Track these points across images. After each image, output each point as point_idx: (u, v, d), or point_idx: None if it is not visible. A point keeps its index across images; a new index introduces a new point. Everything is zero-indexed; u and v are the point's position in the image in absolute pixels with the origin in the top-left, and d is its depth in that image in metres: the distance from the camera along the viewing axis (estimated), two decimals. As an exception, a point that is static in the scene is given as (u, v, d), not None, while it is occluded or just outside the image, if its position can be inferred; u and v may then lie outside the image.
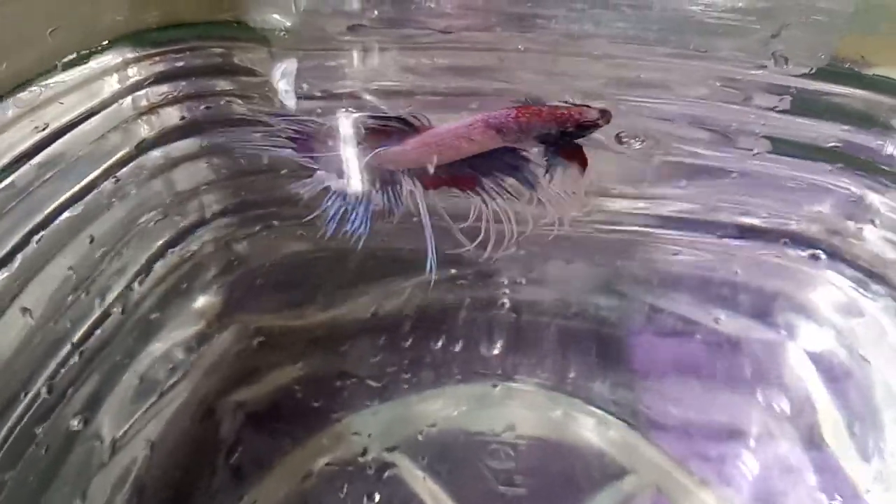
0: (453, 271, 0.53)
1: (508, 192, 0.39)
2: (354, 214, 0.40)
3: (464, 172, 0.39)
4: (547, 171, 0.38)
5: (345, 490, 0.47)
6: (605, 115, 0.36)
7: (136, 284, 0.45)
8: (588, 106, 0.36)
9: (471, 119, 0.38)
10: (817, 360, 0.50)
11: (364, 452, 0.49)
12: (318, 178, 0.41)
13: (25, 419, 0.38)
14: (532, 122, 0.36)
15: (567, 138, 0.37)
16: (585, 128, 0.36)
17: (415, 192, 0.40)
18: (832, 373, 0.49)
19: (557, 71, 0.44)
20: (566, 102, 0.37)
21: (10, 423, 0.37)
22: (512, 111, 0.37)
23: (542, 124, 0.36)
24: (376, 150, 0.39)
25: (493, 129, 0.37)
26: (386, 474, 0.48)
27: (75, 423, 0.41)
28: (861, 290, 0.47)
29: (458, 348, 0.53)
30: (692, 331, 0.53)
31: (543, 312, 0.54)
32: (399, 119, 0.39)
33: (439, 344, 0.53)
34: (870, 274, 0.47)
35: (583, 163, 0.38)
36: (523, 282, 0.53)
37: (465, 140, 0.38)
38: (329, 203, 0.41)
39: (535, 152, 0.38)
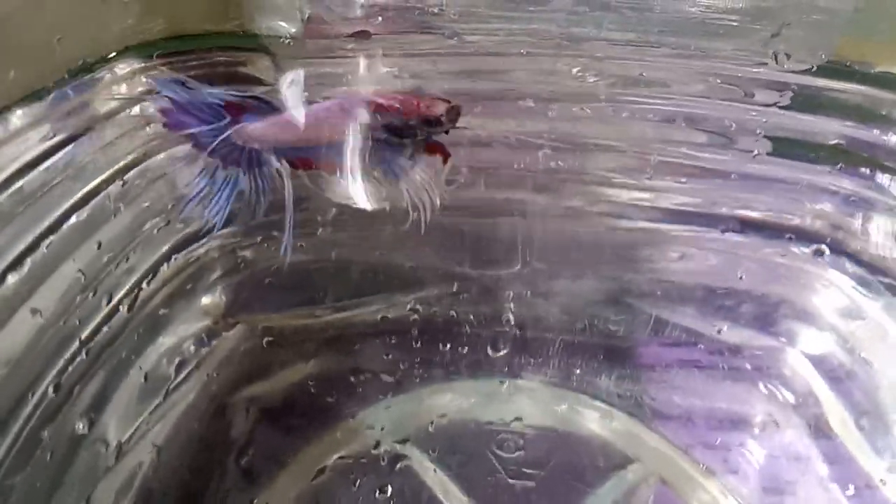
0: (455, 286, 0.53)
1: (375, 180, 0.39)
2: (218, 196, 0.40)
3: (330, 155, 0.38)
4: (410, 159, 0.38)
5: (357, 483, 0.48)
6: (452, 112, 0.35)
7: (143, 285, 0.45)
8: (442, 100, 0.36)
9: (329, 102, 0.37)
10: (818, 362, 0.50)
11: (377, 445, 0.49)
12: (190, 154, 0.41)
13: (33, 421, 0.38)
14: (380, 111, 0.36)
15: (413, 131, 0.36)
16: (430, 123, 0.36)
17: (282, 171, 0.39)
18: (834, 373, 0.49)
19: (559, 72, 0.45)
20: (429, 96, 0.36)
21: (18, 425, 0.37)
22: (367, 97, 0.36)
23: (390, 114, 0.36)
24: (239, 125, 0.38)
25: (346, 113, 0.37)
26: (398, 466, 0.49)
27: (80, 426, 0.41)
28: (863, 289, 0.47)
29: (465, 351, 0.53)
30: (695, 341, 0.53)
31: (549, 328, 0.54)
32: (256, 98, 0.38)
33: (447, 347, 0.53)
34: (872, 269, 0.47)
35: (444, 156, 0.38)
36: (528, 295, 0.54)
37: (323, 122, 0.37)
38: (196, 181, 0.41)
39: (407, 142, 0.37)
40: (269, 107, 0.38)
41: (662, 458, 0.49)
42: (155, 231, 0.46)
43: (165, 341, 0.48)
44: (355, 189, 0.38)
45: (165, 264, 0.47)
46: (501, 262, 0.52)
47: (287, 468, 0.49)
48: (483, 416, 0.52)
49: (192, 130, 0.39)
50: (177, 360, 0.48)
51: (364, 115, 0.36)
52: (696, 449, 0.50)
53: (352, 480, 0.48)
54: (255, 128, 0.38)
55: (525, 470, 0.49)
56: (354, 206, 0.39)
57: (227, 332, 0.52)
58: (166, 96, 0.39)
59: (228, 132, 0.38)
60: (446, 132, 0.36)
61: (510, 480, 0.48)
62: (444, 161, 0.38)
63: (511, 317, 0.54)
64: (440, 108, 0.35)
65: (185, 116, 0.39)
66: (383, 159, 0.37)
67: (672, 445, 0.50)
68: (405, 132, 0.36)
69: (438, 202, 0.38)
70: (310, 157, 0.39)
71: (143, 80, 0.42)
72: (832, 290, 0.49)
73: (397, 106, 0.36)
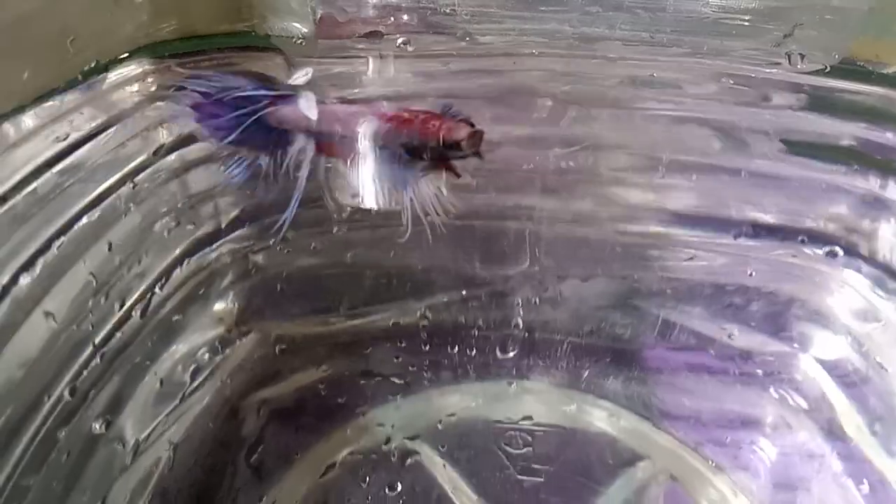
0: (465, 292, 0.53)
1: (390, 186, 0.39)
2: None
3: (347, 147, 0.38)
4: (421, 172, 0.37)
5: (367, 480, 0.48)
6: (475, 138, 0.35)
7: (156, 289, 0.45)
8: (466, 123, 0.35)
9: (356, 108, 0.38)
10: (831, 367, 0.49)
11: (387, 441, 0.50)
12: None
13: (49, 423, 0.38)
14: (401, 129, 0.36)
15: (431, 153, 0.36)
16: (449, 147, 0.35)
17: (304, 151, 0.39)
18: (848, 379, 0.49)
19: (571, 73, 0.44)
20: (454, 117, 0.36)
21: (34, 427, 0.37)
22: (390, 112, 0.36)
23: (409, 133, 0.36)
24: (273, 108, 0.39)
25: (368, 123, 0.37)
26: (408, 462, 0.49)
27: (97, 426, 0.41)
28: (878, 290, 0.47)
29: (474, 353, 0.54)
30: (705, 346, 0.53)
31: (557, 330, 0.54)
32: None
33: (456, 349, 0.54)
34: (888, 271, 0.46)
35: (454, 175, 0.37)
36: (537, 301, 0.54)
37: (344, 124, 0.38)
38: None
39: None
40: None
41: (672, 455, 0.50)
42: (166, 233, 0.46)
43: (179, 349, 0.48)
44: (365, 189, 0.38)
45: (178, 268, 0.47)
46: (511, 262, 0.52)
47: (297, 465, 0.49)
48: (492, 415, 0.52)
49: (225, 118, 0.39)
50: (192, 368, 0.49)
51: (381, 127, 0.36)
52: (705, 447, 0.50)
53: (361, 476, 0.49)
54: (288, 110, 0.39)
55: (534, 466, 0.49)
56: (362, 206, 0.39)
57: (241, 339, 0.52)
58: (198, 91, 0.39)
59: (261, 113, 0.38)
60: (465, 157, 0.36)
61: (519, 476, 0.49)
62: (454, 177, 0.38)
63: (520, 321, 0.54)
64: (461, 133, 0.34)
65: (217, 108, 0.39)
66: (393, 168, 0.37)
67: (681, 443, 0.50)
68: (422, 153, 0.36)
69: (443, 215, 0.38)
70: (334, 142, 0.39)
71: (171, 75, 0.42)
72: (847, 290, 0.48)
73: (417, 125, 0.35)
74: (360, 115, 0.37)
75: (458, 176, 0.37)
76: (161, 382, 0.46)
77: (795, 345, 0.51)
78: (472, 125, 0.35)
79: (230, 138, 0.39)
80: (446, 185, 0.37)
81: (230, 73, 0.41)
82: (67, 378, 0.40)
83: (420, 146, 0.36)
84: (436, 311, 0.54)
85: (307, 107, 0.39)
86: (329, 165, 0.42)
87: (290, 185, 0.40)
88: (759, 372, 0.51)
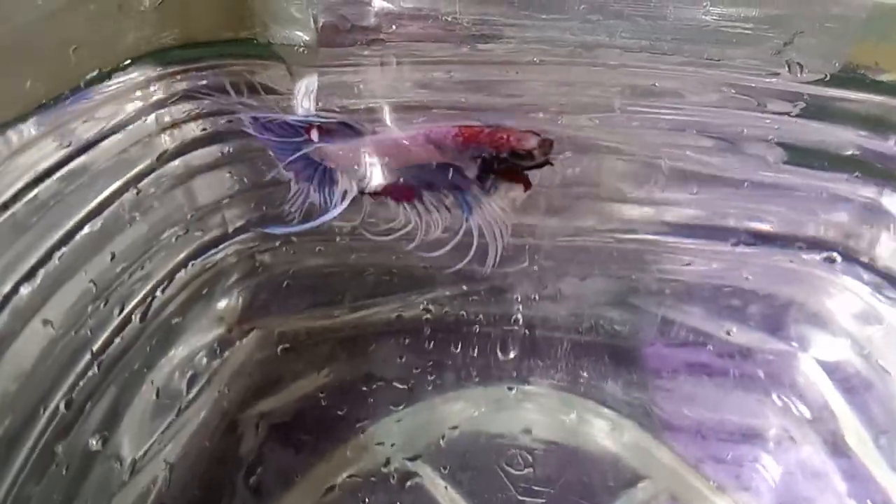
0: (465, 287, 0.53)
1: (446, 209, 0.39)
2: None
3: (403, 183, 0.39)
4: (486, 190, 0.38)
5: (367, 502, 0.48)
6: (545, 146, 0.35)
7: (158, 293, 0.45)
8: (533, 133, 0.36)
9: (414, 131, 0.38)
10: (832, 369, 0.49)
11: (387, 463, 0.49)
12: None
13: (46, 436, 0.38)
14: (470, 142, 0.36)
15: (503, 164, 0.36)
16: (521, 156, 0.36)
17: (349, 193, 0.40)
18: (849, 383, 0.48)
19: (572, 82, 0.45)
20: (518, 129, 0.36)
21: (32, 439, 0.37)
22: (454, 129, 0.37)
23: (479, 146, 0.36)
24: (318, 144, 0.39)
25: (433, 144, 0.37)
26: (408, 484, 0.48)
27: (94, 443, 0.41)
28: (879, 295, 0.47)
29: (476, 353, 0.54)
30: (704, 342, 0.53)
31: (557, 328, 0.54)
32: (343, 123, 0.39)
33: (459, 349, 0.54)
34: (888, 278, 0.46)
35: (525, 185, 0.38)
36: (537, 298, 0.53)
37: (405, 150, 0.38)
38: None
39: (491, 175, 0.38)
40: (351, 130, 0.39)
41: (673, 474, 0.49)
42: (173, 240, 0.46)
43: (178, 353, 0.47)
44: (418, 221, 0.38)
45: (182, 270, 0.47)
46: (510, 264, 0.52)
47: (296, 487, 0.48)
48: (493, 426, 0.51)
49: (269, 140, 0.39)
50: (189, 374, 0.48)
51: (450, 147, 0.36)
52: (706, 464, 0.49)
53: (361, 499, 0.48)
54: (332, 149, 0.39)
55: (535, 487, 0.48)
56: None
57: (242, 339, 0.51)
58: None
59: (306, 150, 0.39)
60: (538, 166, 0.36)
61: (520, 498, 0.48)
62: (525, 189, 0.38)
63: (520, 317, 0.54)
64: (532, 142, 0.35)
65: (264, 130, 0.39)
66: (457, 189, 0.38)
67: (682, 461, 0.49)
68: (496, 165, 0.36)
69: (508, 237, 0.38)
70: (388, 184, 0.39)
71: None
72: (846, 294, 0.48)
73: (485, 137, 0.36)
74: (415, 137, 0.38)
75: (530, 186, 0.38)
76: (158, 392, 0.46)
77: (794, 343, 0.51)
78: (538, 134, 0.36)
79: (284, 163, 0.39)
80: (513, 202, 0.38)
81: (226, 86, 0.42)
82: (64, 389, 0.39)
83: (492, 158, 0.36)
84: (438, 305, 0.54)
85: (306, 114, 0.39)
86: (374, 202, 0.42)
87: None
88: (760, 373, 0.51)
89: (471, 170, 0.38)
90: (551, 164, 0.37)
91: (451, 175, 0.38)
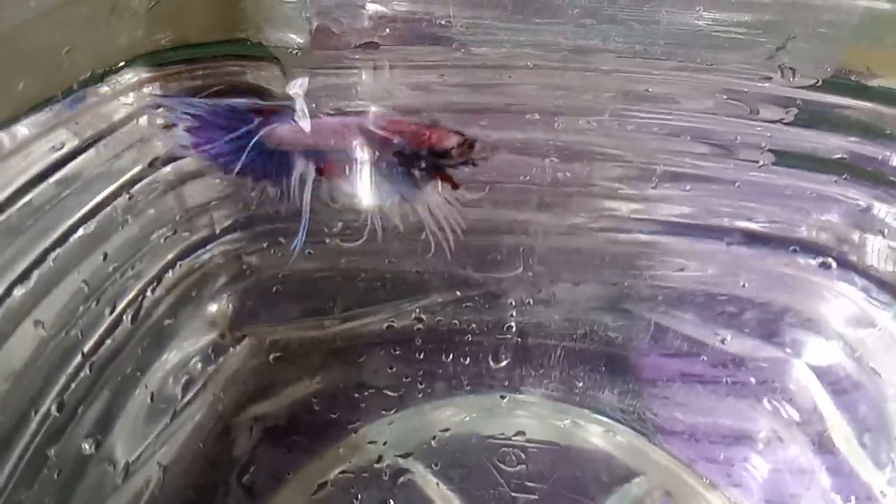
0: (458, 293, 0.53)
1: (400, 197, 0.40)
2: None
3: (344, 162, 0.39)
4: (416, 184, 0.38)
5: (359, 498, 0.48)
6: (465, 147, 0.35)
7: (148, 293, 0.45)
8: (457, 133, 0.36)
9: (350, 118, 0.39)
10: (823, 373, 0.50)
11: (379, 459, 0.49)
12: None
13: (38, 439, 0.37)
14: (392, 137, 0.36)
15: (422, 161, 0.36)
16: (440, 155, 0.36)
17: (306, 174, 0.40)
18: (839, 385, 0.49)
19: (565, 86, 0.45)
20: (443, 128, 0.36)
21: (23, 443, 0.37)
22: (384, 121, 0.37)
23: (400, 140, 0.36)
24: (269, 127, 0.39)
25: (361, 133, 0.37)
26: (400, 480, 0.49)
27: (87, 447, 0.41)
28: (872, 299, 0.47)
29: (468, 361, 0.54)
30: (697, 352, 0.53)
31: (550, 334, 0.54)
32: (279, 105, 0.39)
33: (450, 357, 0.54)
34: (881, 284, 0.47)
35: (451, 185, 0.38)
36: (531, 302, 0.53)
37: (339, 137, 0.38)
38: None
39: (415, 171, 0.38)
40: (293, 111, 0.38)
41: (666, 471, 0.50)
42: (161, 241, 0.46)
43: (171, 357, 0.47)
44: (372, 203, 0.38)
45: (170, 271, 0.47)
46: (504, 268, 0.52)
47: (288, 483, 0.49)
48: (485, 430, 0.52)
49: (222, 141, 0.39)
50: (183, 379, 0.48)
51: (374, 135, 0.36)
52: (699, 463, 0.50)
53: (353, 495, 0.48)
54: (285, 130, 0.39)
55: (528, 483, 0.49)
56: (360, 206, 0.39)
57: (235, 346, 0.51)
58: (188, 113, 0.39)
59: (259, 134, 0.38)
60: (455, 166, 0.36)
61: (513, 494, 0.48)
62: (453, 188, 0.38)
63: (513, 323, 0.54)
64: (451, 141, 0.36)
65: (211, 130, 0.39)
66: (394, 181, 0.38)
67: (676, 459, 0.50)
68: (412, 161, 0.36)
69: (460, 222, 0.38)
70: (333, 160, 0.39)
71: (153, 98, 0.41)
72: (840, 299, 0.49)
73: (408, 134, 0.36)
74: (353, 125, 0.38)
75: (456, 187, 0.37)
76: (152, 396, 0.46)
77: (788, 350, 0.51)
78: (463, 135, 0.35)
79: (236, 167, 0.39)
80: (451, 196, 0.38)
81: (219, 88, 0.42)
82: (55, 391, 0.39)
83: (411, 154, 0.36)
84: (430, 314, 0.54)
85: (301, 117, 0.39)
86: (332, 184, 0.42)
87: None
88: (752, 380, 0.51)
89: (394, 162, 0.37)
90: (475, 165, 0.37)
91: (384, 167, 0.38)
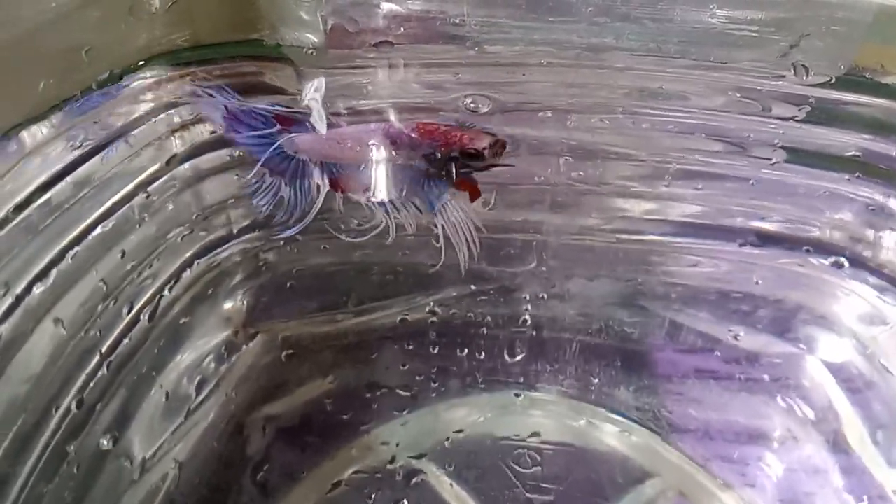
0: (473, 287, 0.53)
1: (416, 208, 0.39)
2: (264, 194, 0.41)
3: (364, 177, 0.39)
4: (446, 193, 0.38)
5: (373, 498, 0.48)
6: (496, 146, 0.35)
7: (165, 291, 0.46)
8: (488, 133, 0.35)
9: (374, 125, 0.38)
10: (837, 370, 0.50)
11: (392, 460, 0.50)
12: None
13: (58, 436, 0.38)
14: (423, 140, 0.36)
15: (453, 163, 0.36)
16: (471, 156, 0.35)
17: (320, 187, 0.40)
18: (853, 383, 0.49)
19: (579, 84, 0.45)
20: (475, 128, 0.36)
21: (44, 439, 0.37)
22: (412, 125, 0.37)
23: (431, 143, 0.36)
24: (290, 136, 0.39)
25: (389, 139, 0.37)
26: (414, 480, 0.49)
27: (105, 442, 0.41)
28: (885, 298, 0.47)
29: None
30: (711, 348, 0.53)
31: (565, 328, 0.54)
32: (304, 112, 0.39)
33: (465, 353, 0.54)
34: (893, 282, 0.47)
35: (473, 193, 0.37)
36: (545, 297, 0.54)
37: (363, 145, 0.38)
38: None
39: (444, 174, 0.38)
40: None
41: (680, 472, 0.49)
42: (179, 240, 0.46)
43: (185, 357, 0.48)
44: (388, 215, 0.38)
45: (188, 270, 0.47)
46: (518, 264, 0.52)
47: (302, 483, 0.49)
48: (499, 431, 0.51)
49: (244, 136, 0.39)
50: (197, 379, 0.48)
51: (403, 137, 0.36)
52: (713, 463, 0.50)
53: (367, 495, 0.48)
54: (305, 140, 0.39)
55: (542, 485, 0.49)
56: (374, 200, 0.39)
57: (247, 344, 0.52)
58: (220, 103, 0.39)
59: (279, 141, 0.38)
60: (488, 168, 0.36)
61: (528, 495, 0.48)
62: (473, 199, 0.38)
63: (528, 317, 0.54)
64: (484, 142, 0.35)
65: (237, 124, 0.39)
66: (421, 188, 0.38)
67: (690, 460, 0.50)
68: (444, 164, 0.36)
69: (476, 243, 0.38)
70: (350, 175, 0.39)
71: (187, 87, 0.42)
72: (853, 297, 0.49)
73: (439, 135, 0.36)
74: (379, 131, 0.38)
75: (479, 194, 0.37)
76: (167, 396, 0.46)
77: (801, 346, 0.51)
78: (494, 134, 0.35)
79: (266, 154, 0.39)
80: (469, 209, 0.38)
81: (236, 87, 0.42)
82: (75, 389, 0.39)
83: (442, 157, 0.36)
84: (444, 307, 0.54)
85: (317, 119, 0.39)
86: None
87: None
88: (766, 377, 0.51)
89: (423, 167, 0.37)
90: (511, 166, 0.36)
91: (416, 174, 0.38)
